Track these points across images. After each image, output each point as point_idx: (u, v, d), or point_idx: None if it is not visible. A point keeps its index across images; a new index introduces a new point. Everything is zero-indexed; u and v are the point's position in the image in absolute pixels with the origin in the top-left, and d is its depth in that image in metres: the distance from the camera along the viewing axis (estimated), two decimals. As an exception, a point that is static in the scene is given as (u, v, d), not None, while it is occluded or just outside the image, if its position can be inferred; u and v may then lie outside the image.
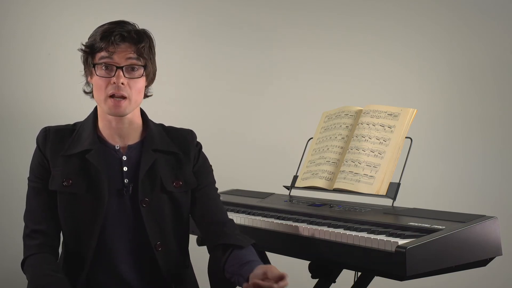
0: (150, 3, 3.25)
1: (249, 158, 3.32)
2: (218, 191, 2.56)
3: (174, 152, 1.75)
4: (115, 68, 1.61)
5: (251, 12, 3.41)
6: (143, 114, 1.78)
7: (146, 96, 1.76)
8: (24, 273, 1.63)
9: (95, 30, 1.67)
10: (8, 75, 2.97)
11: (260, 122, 3.39)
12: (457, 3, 3.45)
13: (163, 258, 1.70)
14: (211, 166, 1.86)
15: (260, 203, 2.25)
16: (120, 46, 1.62)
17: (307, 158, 2.28)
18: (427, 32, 3.44)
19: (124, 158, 1.69)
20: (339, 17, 3.46)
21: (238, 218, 2.07)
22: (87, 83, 1.73)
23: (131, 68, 1.63)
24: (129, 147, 1.71)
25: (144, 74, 1.66)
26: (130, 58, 1.63)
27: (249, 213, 2.13)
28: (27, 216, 1.68)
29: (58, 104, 3.00)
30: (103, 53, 1.62)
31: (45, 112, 2.99)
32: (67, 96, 3.02)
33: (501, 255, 1.70)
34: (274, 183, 2.53)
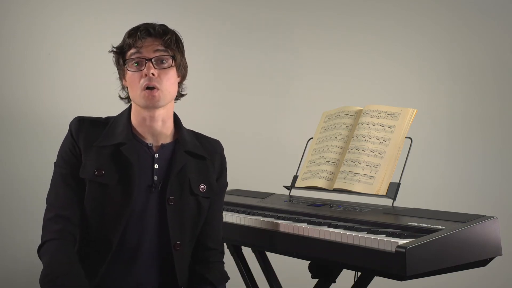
0: (150, 3, 3.25)
1: (249, 158, 3.32)
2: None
3: (204, 156, 1.79)
4: (144, 61, 1.66)
5: (251, 12, 3.41)
6: (176, 118, 1.81)
7: (181, 95, 1.81)
8: (40, 257, 1.62)
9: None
10: (8, 75, 2.97)
11: (260, 122, 3.39)
12: (457, 3, 3.45)
13: (179, 259, 1.71)
14: (227, 184, 1.89)
15: (260, 203, 2.25)
16: (147, 40, 1.67)
17: (307, 158, 2.28)
18: (427, 32, 3.44)
19: (157, 155, 1.72)
20: (339, 17, 3.46)
21: (238, 218, 2.08)
22: (123, 87, 1.77)
23: (161, 61, 1.68)
24: (162, 145, 1.74)
25: (173, 64, 1.70)
26: (158, 50, 1.68)
27: (249, 213, 2.13)
28: (52, 200, 1.67)
29: (58, 104, 3.01)
30: (132, 50, 1.68)
31: (45, 112, 2.99)
32: (67, 96, 3.02)
33: (501, 255, 1.70)
34: (274, 183, 2.53)
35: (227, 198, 2.42)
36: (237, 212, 2.18)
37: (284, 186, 2.35)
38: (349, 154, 2.10)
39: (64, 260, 1.58)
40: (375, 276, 1.78)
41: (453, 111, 3.43)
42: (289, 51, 3.43)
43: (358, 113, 2.19)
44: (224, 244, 2.37)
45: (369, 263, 1.62)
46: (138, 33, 1.66)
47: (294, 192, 2.33)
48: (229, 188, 2.60)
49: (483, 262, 1.68)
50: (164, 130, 1.74)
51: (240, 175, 3.16)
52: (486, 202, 3.29)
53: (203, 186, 1.76)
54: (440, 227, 1.63)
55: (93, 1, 3.10)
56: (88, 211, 1.67)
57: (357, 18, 3.45)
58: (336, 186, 2.09)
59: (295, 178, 2.31)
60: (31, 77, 3.00)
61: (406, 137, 2.01)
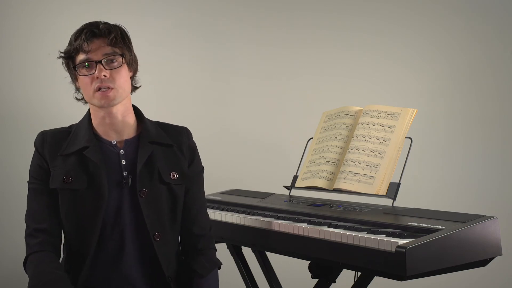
0: (150, 3, 3.25)
1: (249, 158, 3.32)
2: (218, 191, 2.56)
3: (170, 144, 1.79)
4: (94, 63, 1.66)
5: (251, 12, 3.41)
6: (137, 111, 1.82)
7: (135, 87, 1.81)
8: (26, 271, 1.64)
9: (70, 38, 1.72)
10: (8, 75, 2.97)
11: (260, 122, 3.39)
12: (457, 3, 3.45)
13: (161, 249, 1.72)
14: (203, 168, 1.88)
15: (260, 203, 2.25)
16: (93, 41, 1.67)
17: (307, 158, 2.28)
18: (427, 32, 3.43)
19: (122, 152, 1.72)
20: (339, 17, 3.46)
21: (238, 218, 2.07)
22: (77, 90, 1.78)
23: (110, 60, 1.68)
24: (126, 141, 1.74)
25: (123, 62, 1.70)
26: (106, 51, 1.67)
27: (249, 213, 2.13)
28: (28, 217, 1.70)
29: (59, 104, 3.00)
30: (80, 54, 1.67)
31: (45, 112, 2.99)
32: (67, 96, 3.01)
33: (501, 255, 1.70)
34: (274, 183, 2.53)
35: (227, 198, 2.42)
36: (237, 212, 2.18)
37: (284, 186, 2.35)
38: (349, 154, 2.10)
39: (48, 269, 1.60)
40: (375, 276, 1.78)
41: (453, 111, 3.43)
42: (289, 51, 3.43)
43: (358, 113, 2.19)
44: (224, 244, 2.38)
45: (369, 263, 1.62)
46: (83, 36, 1.66)
47: (294, 192, 2.33)
48: (229, 188, 2.62)
49: (483, 262, 1.68)
50: (126, 126, 1.75)
51: (240, 175, 3.16)
52: (486, 202, 3.28)
53: (174, 174, 1.76)
54: (440, 227, 1.63)
55: (93, 1, 3.10)
56: (64, 219, 1.69)
57: (357, 18, 3.45)
58: (336, 186, 2.09)
59: (295, 178, 2.31)
60: (31, 77, 3.00)
61: (406, 137, 2.01)
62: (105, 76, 1.65)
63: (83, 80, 1.68)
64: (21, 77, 2.99)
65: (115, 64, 1.68)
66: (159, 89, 3.18)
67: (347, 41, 3.44)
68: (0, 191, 2.92)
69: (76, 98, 1.80)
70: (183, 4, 3.32)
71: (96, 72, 1.65)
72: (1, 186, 2.92)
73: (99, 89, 1.66)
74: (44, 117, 2.96)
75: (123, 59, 1.69)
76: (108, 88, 1.66)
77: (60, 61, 3.24)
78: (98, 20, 1.72)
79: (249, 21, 3.41)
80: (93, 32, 1.67)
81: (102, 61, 1.66)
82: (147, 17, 3.21)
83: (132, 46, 1.75)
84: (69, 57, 1.70)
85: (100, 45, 1.67)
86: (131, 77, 1.76)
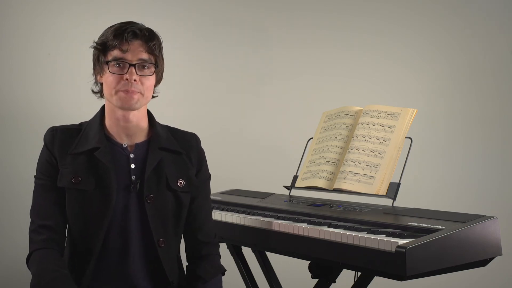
0: (150, 4, 3.25)
1: (249, 158, 3.32)
2: (218, 191, 2.57)
3: (179, 151, 1.78)
4: (127, 65, 1.65)
5: (251, 13, 3.41)
6: (149, 115, 1.81)
7: (152, 96, 1.79)
8: (29, 268, 1.64)
9: (105, 30, 1.70)
10: (8, 75, 2.97)
11: (260, 122, 3.39)
12: (457, 3, 3.45)
13: (165, 254, 1.72)
14: (210, 176, 1.88)
15: (260, 203, 2.25)
16: (133, 43, 1.65)
17: (307, 158, 2.28)
18: (427, 32, 3.44)
19: (132, 155, 1.72)
20: (339, 17, 3.46)
21: (238, 218, 2.08)
22: (96, 82, 1.76)
23: (143, 66, 1.67)
24: (137, 145, 1.73)
25: (154, 71, 1.70)
26: (142, 55, 1.66)
27: (249, 213, 2.13)
28: (34, 212, 1.68)
29: (59, 104, 3.01)
30: (116, 51, 1.65)
31: (45, 112, 2.99)
32: (67, 96, 3.02)
33: (501, 255, 1.70)
34: (274, 183, 2.53)
35: (227, 198, 2.42)
36: (237, 212, 2.18)
37: (284, 186, 2.35)
38: (349, 154, 2.10)
39: (51, 267, 1.59)
40: (375, 276, 1.78)
41: (453, 111, 3.43)
42: (289, 51, 3.43)
43: (358, 113, 2.19)
44: (224, 244, 2.38)
45: (369, 263, 1.62)
46: (125, 35, 1.64)
47: (294, 192, 2.33)
48: (229, 188, 2.62)
49: (483, 262, 1.68)
50: (138, 130, 1.74)
51: (240, 175, 3.16)
52: (486, 202, 3.28)
53: (181, 181, 1.75)
54: (440, 227, 1.63)
55: (93, 1, 3.10)
56: (70, 218, 1.68)
57: (357, 18, 3.45)
58: (336, 186, 2.09)
59: (295, 178, 2.31)
60: (31, 77, 3.00)
61: (406, 137, 2.01)
62: (135, 80, 1.64)
63: (109, 76, 1.66)
64: (21, 77, 2.99)
65: (147, 71, 1.68)
66: (159, 89, 3.18)
67: (347, 41, 3.44)
68: (0, 191, 2.92)
69: (92, 91, 1.77)
70: (183, 4, 3.32)
71: (127, 74, 1.64)
72: (1, 186, 2.92)
73: (126, 91, 1.65)
74: (44, 117, 2.97)
75: (156, 68, 1.69)
76: (134, 91, 1.65)
77: (60, 61, 3.25)
78: (134, 21, 1.70)
79: (249, 21, 3.41)
80: (135, 33, 1.65)
81: (136, 65, 1.65)
82: (147, 17, 3.20)
83: (163, 57, 1.74)
84: (102, 50, 1.67)
85: (138, 48, 1.66)
86: (154, 87, 1.75)
